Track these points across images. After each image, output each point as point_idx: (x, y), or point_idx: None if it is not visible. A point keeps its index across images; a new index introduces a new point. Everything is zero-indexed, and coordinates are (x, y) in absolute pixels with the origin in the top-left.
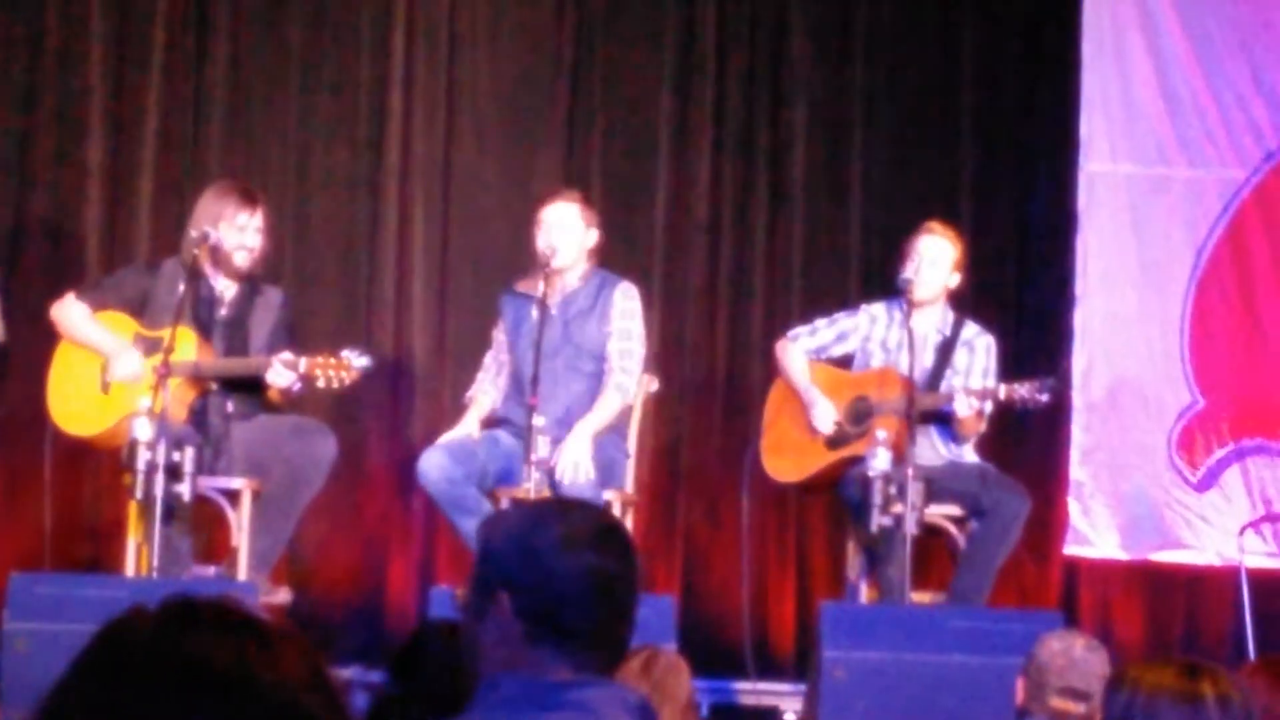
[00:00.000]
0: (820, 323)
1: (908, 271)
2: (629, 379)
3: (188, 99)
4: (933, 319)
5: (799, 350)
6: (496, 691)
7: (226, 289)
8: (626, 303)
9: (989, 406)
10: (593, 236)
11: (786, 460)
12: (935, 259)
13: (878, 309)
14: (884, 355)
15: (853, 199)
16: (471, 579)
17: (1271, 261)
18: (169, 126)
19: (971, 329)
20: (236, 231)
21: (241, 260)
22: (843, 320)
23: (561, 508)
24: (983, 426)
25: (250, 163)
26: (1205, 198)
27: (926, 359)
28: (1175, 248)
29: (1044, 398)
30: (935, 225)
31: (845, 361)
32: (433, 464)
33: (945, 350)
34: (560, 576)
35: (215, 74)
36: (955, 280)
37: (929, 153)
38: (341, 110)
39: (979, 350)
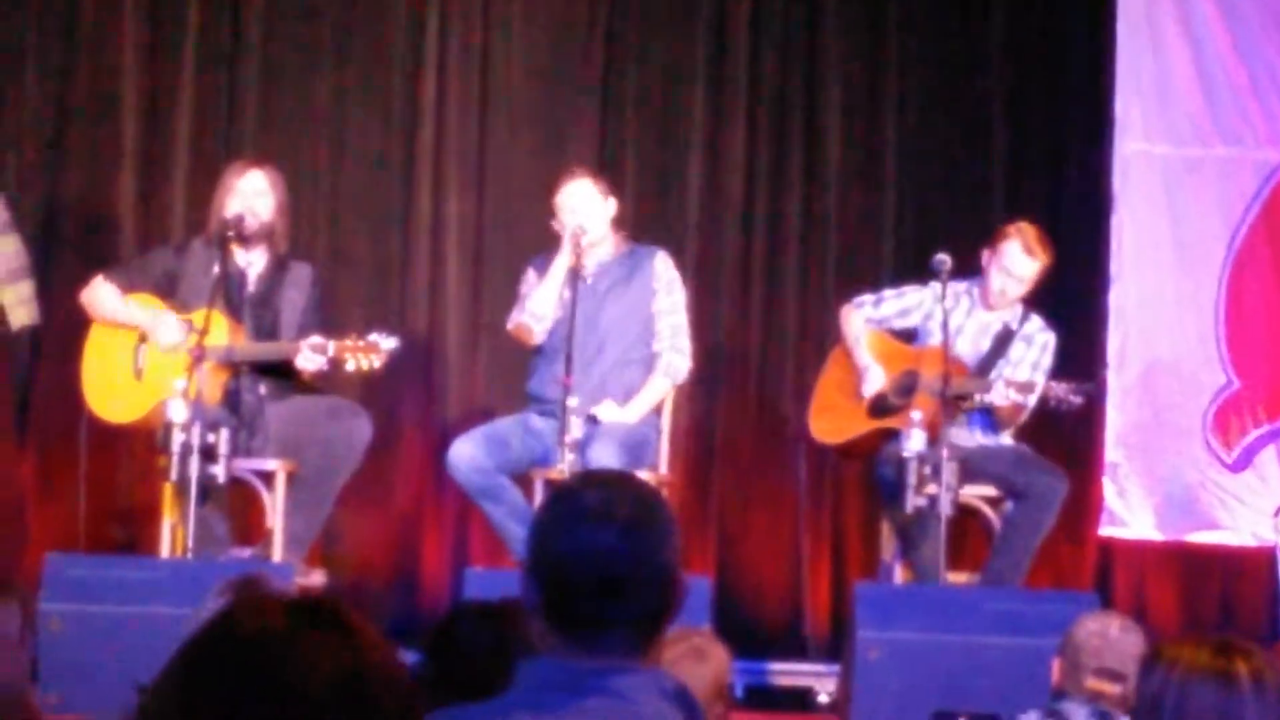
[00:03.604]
0: (887, 293)
1: (983, 254)
2: (681, 359)
3: (221, 79)
4: (1001, 309)
5: (860, 318)
6: (534, 675)
7: (252, 265)
8: (670, 272)
9: (1032, 400)
10: (612, 205)
11: (829, 421)
12: (1015, 273)
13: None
14: (942, 336)
15: (886, 180)
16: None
17: None
18: (203, 107)
19: (1035, 324)
20: (239, 198)
21: (251, 225)
22: (909, 295)
23: (579, 483)
24: (1022, 418)
25: (284, 143)
26: (1240, 178)
27: (984, 344)
28: (1210, 228)
29: (1078, 400)
30: (1030, 236)
31: (906, 336)
32: (461, 455)
33: (1004, 340)
34: (556, 556)
35: (249, 54)
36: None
37: (962, 134)
38: (375, 90)
39: (1036, 345)
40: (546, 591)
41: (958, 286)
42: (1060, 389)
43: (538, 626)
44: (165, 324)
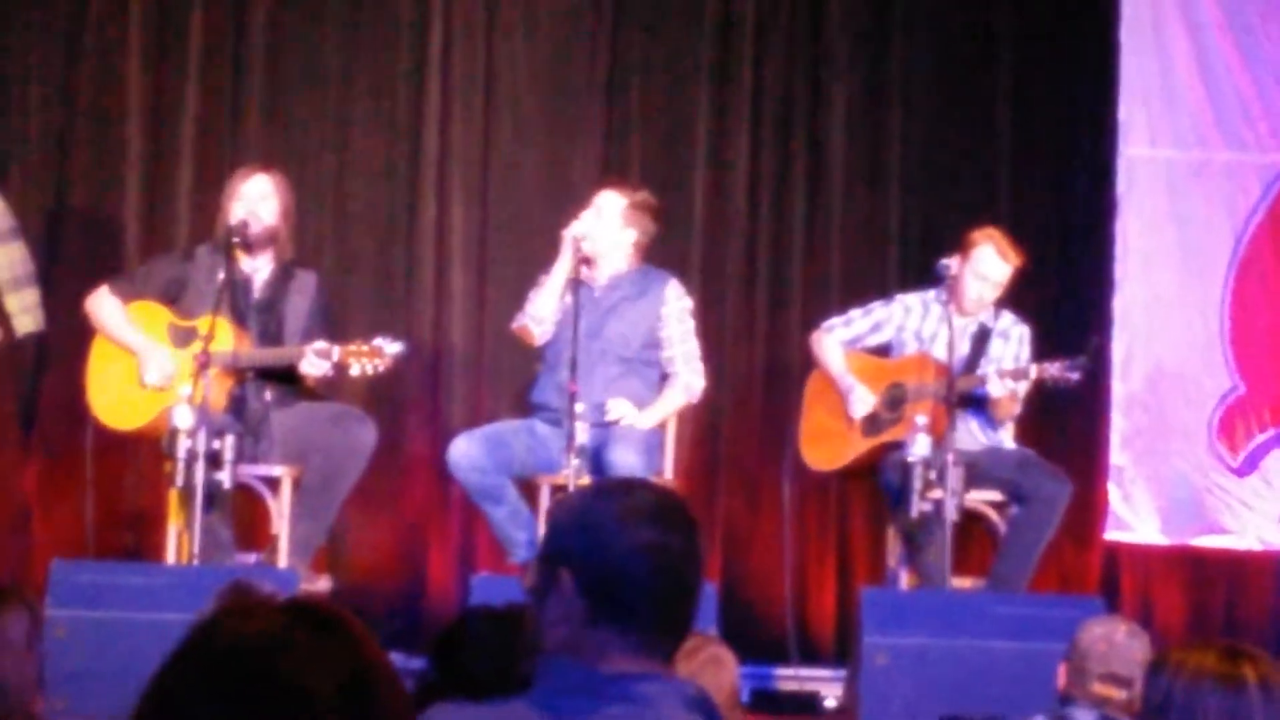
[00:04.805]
0: (855, 313)
1: (951, 262)
2: (698, 381)
3: (226, 87)
4: (976, 313)
5: (834, 341)
6: (554, 677)
7: (257, 272)
8: (681, 301)
9: (1023, 387)
10: (629, 236)
11: (824, 450)
12: (991, 278)
13: (912, 299)
14: (918, 344)
15: (891, 186)
16: (537, 557)
17: None
18: (207, 115)
19: (1008, 319)
20: (243, 202)
21: (255, 229)
22: (877, 310)
23: (625, 484)
24: (1017, 408)
25: (288, 151)
26: (1245, 182)
27: (963, 347)
28: (1215, 232)
29: (1075, 376)
30: (1001, 241)
31: (881, 351)
32: (461, 453)
33: (981, 339)
34: (620, 552)
35: (253, 62)
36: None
37: (967, 140)
38: (380, 98)
39: (1013, 339)
40: (605, 591)
41: (925, 295)
42: (1054, 368)
43: (565, 626)
44: (155, 360)
